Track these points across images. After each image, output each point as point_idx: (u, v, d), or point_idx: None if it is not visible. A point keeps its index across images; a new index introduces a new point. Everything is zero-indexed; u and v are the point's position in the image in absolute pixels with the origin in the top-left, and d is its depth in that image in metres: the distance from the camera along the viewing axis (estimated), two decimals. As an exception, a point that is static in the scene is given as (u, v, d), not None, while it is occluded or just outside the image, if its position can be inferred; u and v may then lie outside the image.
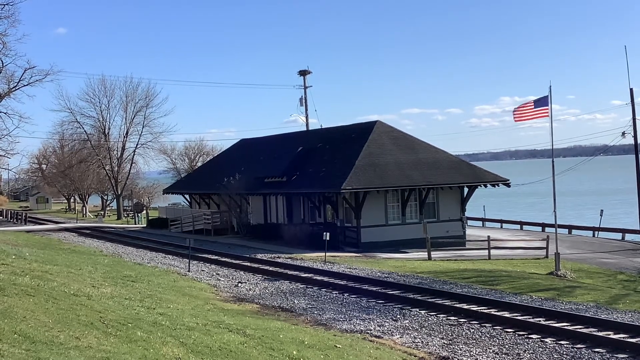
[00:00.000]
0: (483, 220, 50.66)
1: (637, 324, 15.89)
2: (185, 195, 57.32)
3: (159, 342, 10.37)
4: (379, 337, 15.17)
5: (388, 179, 35.83)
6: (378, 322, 16.85)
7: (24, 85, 49.95)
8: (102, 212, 79.55)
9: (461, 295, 19.84)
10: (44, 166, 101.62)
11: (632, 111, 34.72)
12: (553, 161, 26.96)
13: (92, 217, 75.24)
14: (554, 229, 29.22)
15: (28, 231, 50.20)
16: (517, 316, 16.83)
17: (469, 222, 44.28)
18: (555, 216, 28.11)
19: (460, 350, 14.06)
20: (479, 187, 38.86)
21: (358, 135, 40.31)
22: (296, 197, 41.02)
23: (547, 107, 26.90)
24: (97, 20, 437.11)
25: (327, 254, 30.26)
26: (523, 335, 15.21)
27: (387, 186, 35.64)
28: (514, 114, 27.82)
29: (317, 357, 11.92)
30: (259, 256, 31.74)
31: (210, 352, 10.62)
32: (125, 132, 74.26)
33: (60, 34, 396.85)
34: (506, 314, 17.09)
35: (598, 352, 13.71)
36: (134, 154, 75.57)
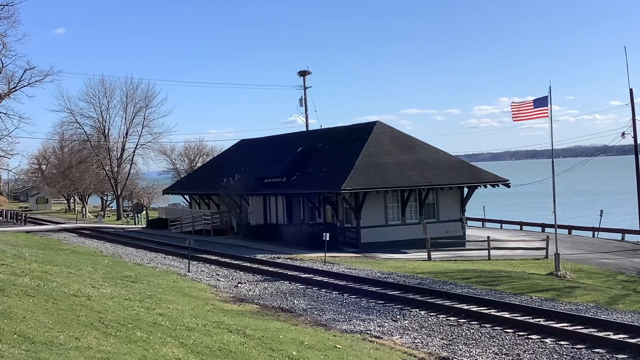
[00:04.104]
0: (483, 220, 50.66)
1: (637, 324, 15.88)
2: (185, 196, 57.32)
3: (158, 343, 10.37)
4: (378, 337, 15.16)
5: (388, 180, 35.82)
6: (378, 322, 16.84)
7: (24, 86, 49.77)
8: (102, 213, 79.52)
9: (461, 295, 19.84)
10: (43, 167, 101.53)
11: (632, 111, 34.79)
12: (553, 162, 26.95)
13: (91, 217, 75.21)
14: (554, 229, 29.23)
15: (28, 232, 50.18)
16: (517, 316, 16.83)
17: (469, 223, 44.27)
18: (555, 216, 28.10)
19: (460, 350, 14.05)
20: (478, 187, 38.86)
21: (358, 135, 40.30)
22: (296, 197, 41.02)
23: (546, 108, 26.89)
24: (96, 20, 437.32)
25: (327, 254, 30.25)
26: (523, 335, 15.21)
27: (387, 186, 35.63)
28: (512, 111, 27.74)
29: (317, 358, 11.92)
30: (259, 257, 31.72)
31: (210, 352, 10.61)
32: (124, 133, 74.38)
33: (59, 34, 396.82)
34: (506, 315, 17.08)
35: (598, 352, 13.71)
36: (133, 155, 75.63)
